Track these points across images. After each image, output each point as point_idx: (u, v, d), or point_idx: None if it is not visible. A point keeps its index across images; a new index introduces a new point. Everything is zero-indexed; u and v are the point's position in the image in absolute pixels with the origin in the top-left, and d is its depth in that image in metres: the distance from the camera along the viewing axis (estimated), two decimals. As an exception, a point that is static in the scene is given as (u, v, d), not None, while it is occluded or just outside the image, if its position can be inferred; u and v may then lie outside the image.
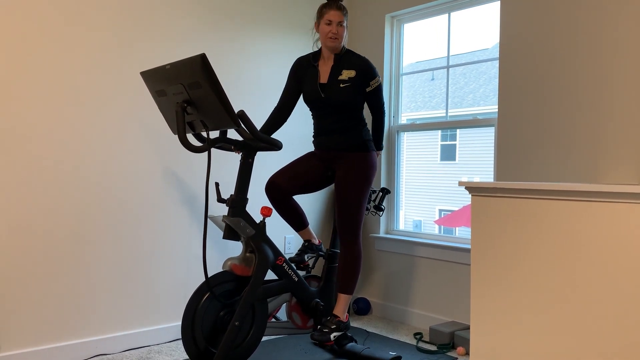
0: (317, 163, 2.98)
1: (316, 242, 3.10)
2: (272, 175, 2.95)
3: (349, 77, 2.83)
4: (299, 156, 3.81)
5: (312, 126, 3.90)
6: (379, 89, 2.93)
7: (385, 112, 3.13)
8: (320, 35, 2.87)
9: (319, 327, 2.82)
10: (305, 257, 3.06)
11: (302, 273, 3.63)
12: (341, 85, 2.83)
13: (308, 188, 2.98)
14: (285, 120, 3.01)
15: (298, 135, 3.86)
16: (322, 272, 3.06)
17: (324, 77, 2.90)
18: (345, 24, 2.85)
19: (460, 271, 3.44)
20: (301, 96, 3.01)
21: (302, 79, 2.97)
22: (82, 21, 2.94)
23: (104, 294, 3.03)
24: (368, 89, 2.89)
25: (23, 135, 2.77)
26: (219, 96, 2.33)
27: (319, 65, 2.92)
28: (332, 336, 2.77)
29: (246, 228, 2.66)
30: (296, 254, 3.05)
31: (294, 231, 3.81)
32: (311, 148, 3.89)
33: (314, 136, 3.03)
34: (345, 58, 2.87)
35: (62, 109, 2.89)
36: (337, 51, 2.88)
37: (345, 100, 2.84)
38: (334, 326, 2.80)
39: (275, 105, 3.04)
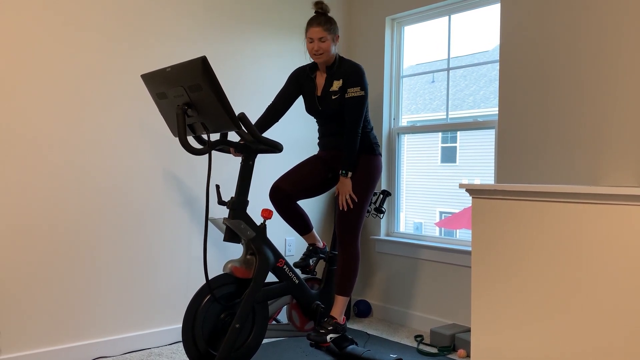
0: (320, 166, 2.99)
1: (320, 245, 3.10)
2: (276, 181, 2.95)
3: (338, 88, 2.84)
4: (301, 159, 3.83)
5: (316, 130, 3.91)
6: (356, 101, 2.78)
7: (358, 134, 2.79)
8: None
9: (316, 328, 2.83)
10: (310, 261, 3.06)
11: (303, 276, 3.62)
12: (333, 97, 2.85)
13: (312, 192, 2.98)
14: (277, 120, 3.01)
15: (300, 138, 3.86)
16: (322, 275, 3.06)
17: (319, 90, 2.91)
18: (330, 37, 2.80)
19: (461, 273, 3.44)
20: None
21: (302, 89, 3.00)
22: (81, 24, 2.94)
23: (104, 296, 3.03)
24: (346, 96, 2.80)
25: (24, 137, 2.78)
26: (220, 99, 2.33)
27: (316, 77, 2.94)
28: (328, 337, 2.77)
29: (247, 230, 2.66)
30: (301, 259, 3.05)
31: (294, 233, 3.81)
32: (314, 151, 3.89)
33: (319, 138, 3.04)
34: (337, 68, 2.87)
35: (63, 111, 2.89)
36: (327, 64, 2.88)
37: (339, 110, 2.85)
38: (331, 327, 2.80)
39: (269, 104, 3.03)
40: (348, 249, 2.87)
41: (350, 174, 2.81)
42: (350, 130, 2.80)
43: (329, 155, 2.98)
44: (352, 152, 2.81)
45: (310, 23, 2.81)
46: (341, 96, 2.83)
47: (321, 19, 2.81)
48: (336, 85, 2.84)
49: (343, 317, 2.89)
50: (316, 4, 2.84)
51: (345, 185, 2.81)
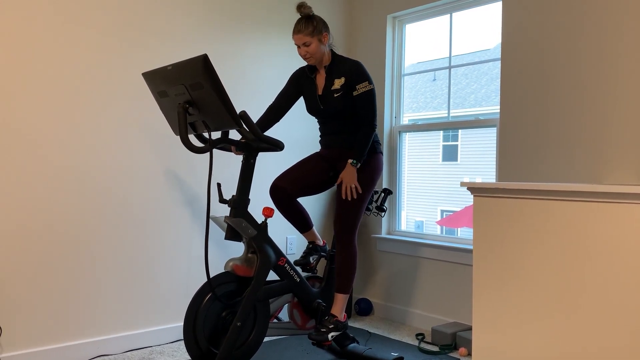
0: (321, 164, 2.99)
1: (321, 243, 3.10)
2: (276, 178, 2.95)
3: (340, 86, 2.83)
4: (301, 158, 3.82)
5: (317, 128, 3.91)
6: (367, 96, 2.80)
7: (375, 126, 2.84)
8: None
9: (317, 326, 2.83)
10: (311, 258, 3.06)
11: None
12: (335, 95, 2.85)
13: (312, 190, 2.98)
14: (278, 120, 3.01)
15: (301, 137, 3.86)
16: (323, 273, 3.06)
17: (320, 89, 2.92)
18: (314, 39, 2.78)
19: (462, 272, 3.44)
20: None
21: (302, 90, 3.00)
22: (83, 22, 2.94)
23: (105, 294, 3.04)
24: (355, 93, 2.81)
25: (25, 136, 2.78)
26: (221, 97, 2.33)
27: (316, 77, 2.94)
28: (329, 336, 2.77)
29: (248, 229, 2.66)
30: (301, 257, 3.05)
31: (296, 231, 3.81)
32: (315, 150, 3.89)
33: (320, 136, 3.04)
34: (335, 66, 2.87)
35: (64, 109, 2.89)
36: (325, 63, 2.89)
37: (342, 108, 2.85)
38: (332, 326, 2.80)
39: (270, 104, 3.03)
40: (346, 247, 2.87)
41: (359, 165, 2.81)
42: (367, 123, 2.82)
43: (331, 153, 2.98)
44: (367, 144, 2.82)
45: (293, 30, 2.82)
46: (344, 94, 2.83)
47: (301, 24, 2.80)
48: (337, 83, 2.84)
49: (344, 315, 2.89)
50: (297, 7, 2.83)
51: (352, 175, 2.80)
